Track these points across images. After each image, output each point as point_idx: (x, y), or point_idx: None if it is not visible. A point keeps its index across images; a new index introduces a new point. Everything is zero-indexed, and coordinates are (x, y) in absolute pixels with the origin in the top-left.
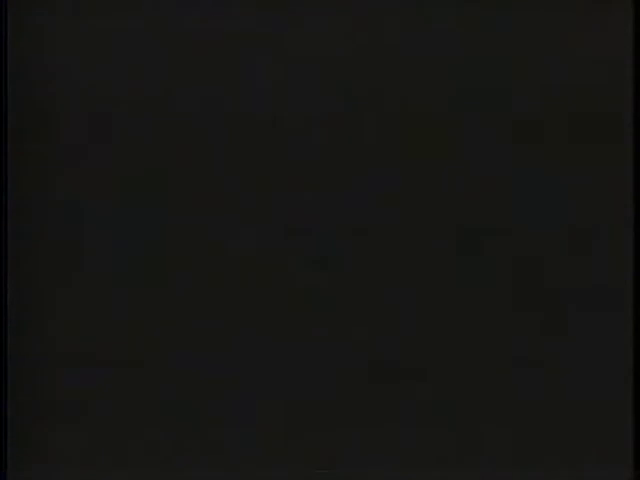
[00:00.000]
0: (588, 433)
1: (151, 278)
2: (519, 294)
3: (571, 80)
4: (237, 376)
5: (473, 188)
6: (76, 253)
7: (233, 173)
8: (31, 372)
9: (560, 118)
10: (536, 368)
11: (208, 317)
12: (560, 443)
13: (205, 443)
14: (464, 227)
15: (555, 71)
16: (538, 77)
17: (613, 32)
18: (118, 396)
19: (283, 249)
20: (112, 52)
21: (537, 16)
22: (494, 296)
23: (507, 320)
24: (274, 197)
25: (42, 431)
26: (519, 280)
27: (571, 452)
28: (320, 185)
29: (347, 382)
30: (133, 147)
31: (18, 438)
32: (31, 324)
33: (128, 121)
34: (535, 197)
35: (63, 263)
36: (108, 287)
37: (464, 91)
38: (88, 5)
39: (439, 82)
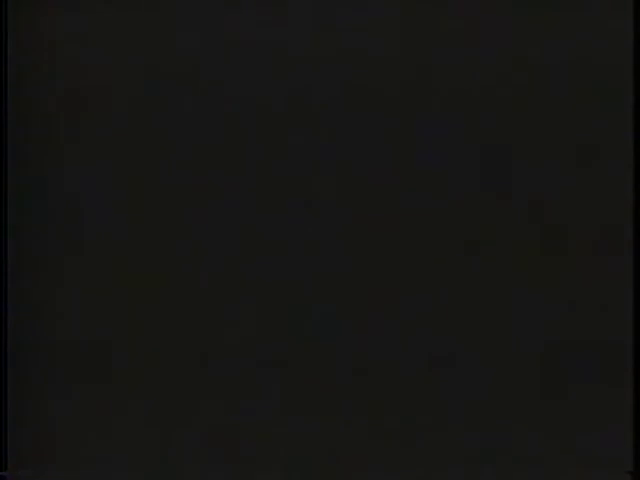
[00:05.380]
0: (587, 432)
1: (153, 277)
2: (520, 297)
3: (571, 79)
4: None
5: (472, 187)
6: (77, 252)
7: (234, 172)
8: (31, 372)
9: (559, 118)
10: (535, 368)
11: (210, 318)
12: (559, 442)
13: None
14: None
15: (555, 70)
16: (537, 76)
17: (613, 32)
18: (118, 396)
19: (281, 249)
20: (113, 51)
21: (537, 16)
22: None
23: (511, 320)
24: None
25: (42, 430)
26: (519, 282)
27: (570, 451)
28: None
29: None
30: (134, 146)
31: (18, 438)
32: (31, 324)
33: (129, 120)
34: (535, 196)
35: (63, 262)
36: (109, 287)
37: (463, 91)
38: (89, 4)
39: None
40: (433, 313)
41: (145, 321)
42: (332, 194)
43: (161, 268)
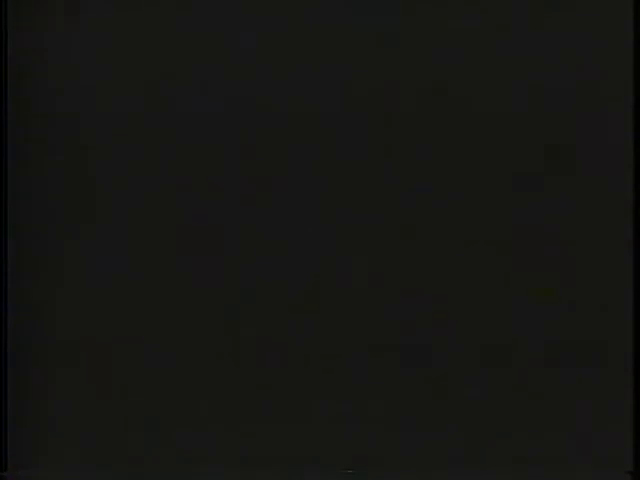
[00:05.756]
0: (587, 432)
1: (153, 277)
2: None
3: (570, 79)
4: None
5: (473, 189)
6: (77, 252)
7: (236, 173)
8: (31, 372)
9: (559, 118)
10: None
11: (210, 318)
12: (559, 442)
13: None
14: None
15: (554, 70)
16: (537, 76)
17: (613, 32)
18: (119, 396)
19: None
20: (113, 51)
21: (536, 15)
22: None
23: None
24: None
25: (42, 430)
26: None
27: (570, 451)
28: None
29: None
30: (134, 146)
31: (18, 438)
32: (31, 324)
33: (129, 120)
34: (536, 197)
35: (63, 262)
36: (109, 287)
37: (459, 90)
38: (89, 4)
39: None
40: (433, 313)
41: (145, 321)
42: (332, 194)
43: (161, 268)
